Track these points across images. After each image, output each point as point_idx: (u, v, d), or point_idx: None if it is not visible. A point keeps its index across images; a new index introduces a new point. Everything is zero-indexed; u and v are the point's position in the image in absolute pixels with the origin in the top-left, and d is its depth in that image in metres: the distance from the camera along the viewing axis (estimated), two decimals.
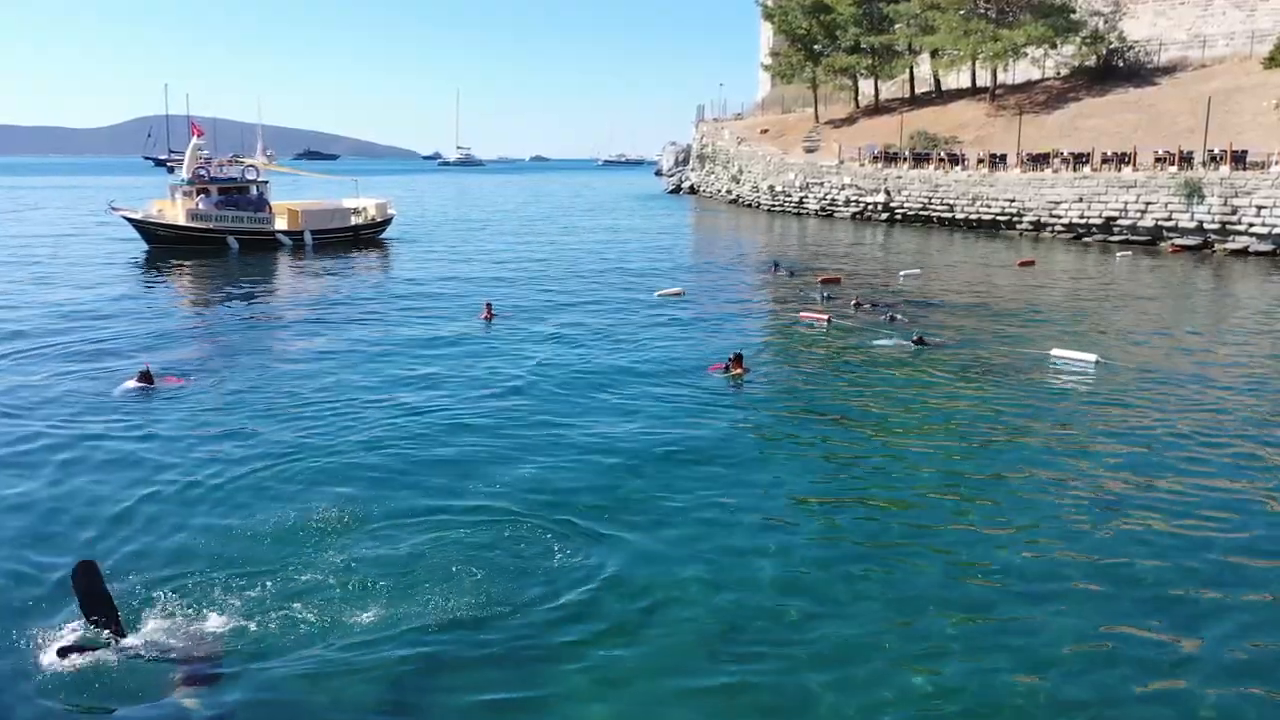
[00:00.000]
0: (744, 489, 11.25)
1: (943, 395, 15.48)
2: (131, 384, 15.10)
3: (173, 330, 20.89)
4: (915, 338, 18.80)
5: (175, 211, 35.95)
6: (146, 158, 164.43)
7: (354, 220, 39.83)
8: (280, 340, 19.88)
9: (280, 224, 37.36)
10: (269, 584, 8.58)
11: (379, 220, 41.00)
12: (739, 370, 16.23)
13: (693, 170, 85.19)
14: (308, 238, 37.08)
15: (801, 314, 22.37)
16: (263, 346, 19.25)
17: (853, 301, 23.76)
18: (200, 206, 35.60)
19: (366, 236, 39.83)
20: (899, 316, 21.91)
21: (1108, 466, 12.15)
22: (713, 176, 75.79)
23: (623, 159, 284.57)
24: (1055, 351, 18.09)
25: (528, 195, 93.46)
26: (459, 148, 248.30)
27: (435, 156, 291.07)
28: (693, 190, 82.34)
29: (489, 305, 22.06)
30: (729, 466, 12.02)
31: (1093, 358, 17.50)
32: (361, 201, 41.46)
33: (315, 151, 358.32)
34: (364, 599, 8.38)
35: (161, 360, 17.07)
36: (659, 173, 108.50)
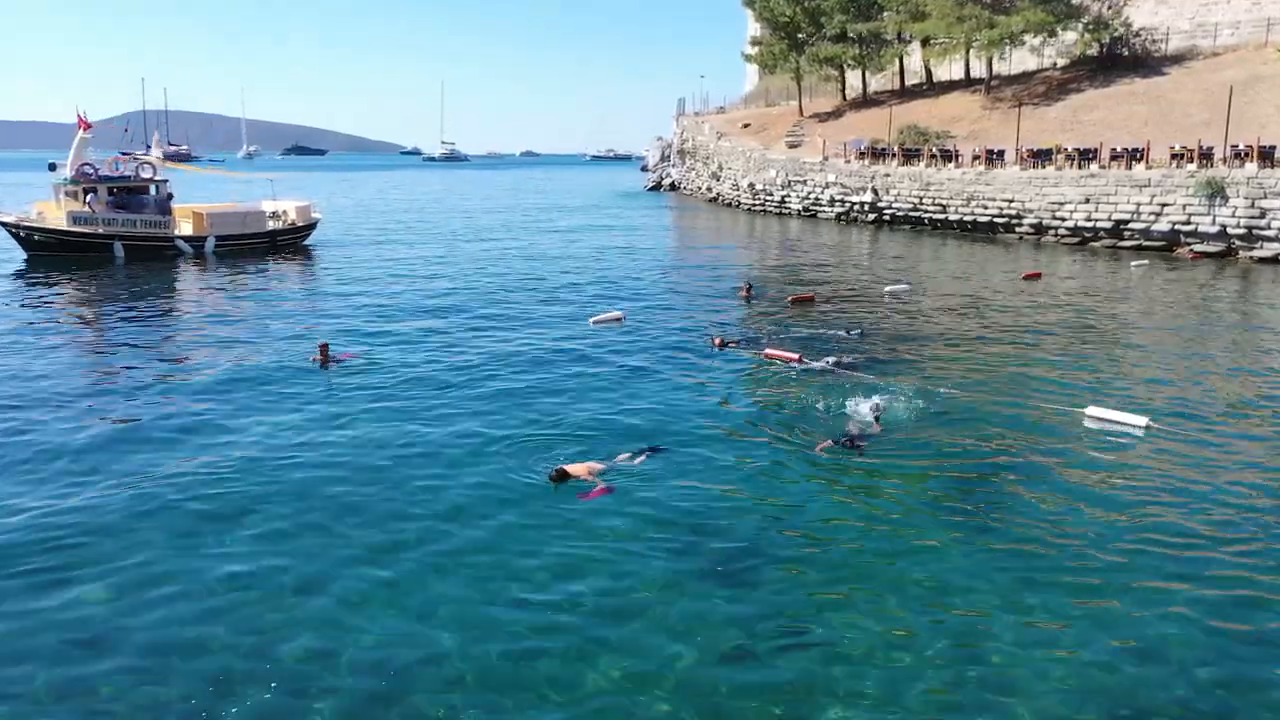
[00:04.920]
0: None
1: (924, 508, 10.99)
2: None
3: None
4: (844, 439, 12.40)
5: (58, 214, 31.45)
6: (124, 153, 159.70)
7: (271, 225, 35.29)
8: (59, 391, 15.36)
9: (185, 229, 32.97)
10: None
11: (300, 225, 36.42)
12: (589, 487, 10.87)
13: (674, 166, 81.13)
14: (209, 244, 32.59)
15: (767, 352, 17.91)
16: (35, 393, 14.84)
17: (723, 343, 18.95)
18: (86, 208, 31.08)
19: (285, 243, 35.32)
20: (846, 362, 16.98)
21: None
22: (693, 173, 71.63)
23: (611, 154, 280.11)
24: (1092, 411, 13.76)
25: (498, 192, 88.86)
26: (443, 142, 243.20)
27: (415, 152, 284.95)
28: (674, 187, 78.41)
29: (324, 348, 17.56)
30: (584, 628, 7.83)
31: (1143, 421, 13.24)
32: (280, 204, 36.91)
33: (303, 147, 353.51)
34: None
35: None
36: (645, 168, 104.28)
